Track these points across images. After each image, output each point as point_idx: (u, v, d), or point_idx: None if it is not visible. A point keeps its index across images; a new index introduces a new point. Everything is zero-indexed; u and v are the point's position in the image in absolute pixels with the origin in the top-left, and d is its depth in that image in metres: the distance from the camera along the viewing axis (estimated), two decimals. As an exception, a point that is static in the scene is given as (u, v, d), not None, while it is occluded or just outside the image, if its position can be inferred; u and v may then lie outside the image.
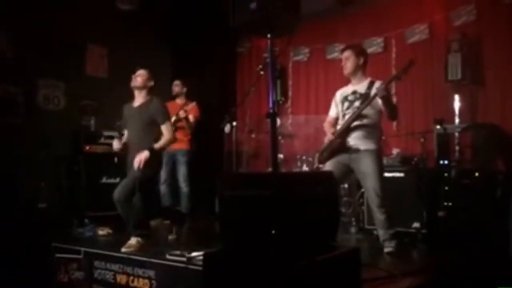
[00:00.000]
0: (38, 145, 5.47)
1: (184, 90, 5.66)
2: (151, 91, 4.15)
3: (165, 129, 4.00)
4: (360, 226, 5.02)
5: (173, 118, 4.93)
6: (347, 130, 3.79)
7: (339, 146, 3.79)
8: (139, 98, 4.13)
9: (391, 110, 3.72)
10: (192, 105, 5.35)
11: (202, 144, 5.91)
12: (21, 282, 3.91)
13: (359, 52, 3.89)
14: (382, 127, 4.01)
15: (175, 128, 4.93)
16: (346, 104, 3.89)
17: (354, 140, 3.75)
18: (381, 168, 3.78)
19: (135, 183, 3.82)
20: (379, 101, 3.65)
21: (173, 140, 4.09)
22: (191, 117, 5.36)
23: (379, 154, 3.79)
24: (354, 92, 3.85)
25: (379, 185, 3.68)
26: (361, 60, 3.86)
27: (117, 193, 3.83)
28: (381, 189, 3.69)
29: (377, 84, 3.68)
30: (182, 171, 5.49)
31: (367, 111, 3.74)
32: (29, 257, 4.11)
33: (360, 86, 3.85)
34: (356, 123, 3.76)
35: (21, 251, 4.14)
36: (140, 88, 4.10)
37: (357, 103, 3.78)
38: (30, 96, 5.83)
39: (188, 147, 5.51)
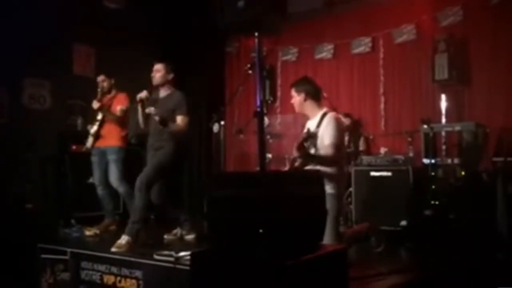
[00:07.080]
0: (24, 145, 5.40)
1: (112, 82, 5.02)
2: (172, 83, 4.29)
3: (180, 120, 4.11)
4: (348, 225, 5.04)
5: (100, 115, 4.83)
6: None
7: None
8: (162, 91, 4.27)
9: (319, 163, 3.37)
10: (120, 96, 4.93)
11: (191, 143, 5.86)
12: (7, 283, 3.87)
13: (301, 90, 3.56)
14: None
15: (103, 122, 4.82)
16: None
17: None
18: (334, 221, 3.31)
19: (157, 168, 4.04)
20: (324, 141, 3.38)
21: (183, 130, 4.15)
22: (118, 108, 4.86)
23: (336, 198, 3.38)
24: (307, 131, 3.51)
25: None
26: (308, 97, 3.55)
27: (139, 181, 3.94)
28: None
29: (328, 115, 3.44)
30: (113, 171, 4.76)
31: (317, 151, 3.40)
32: (14, 258, 4.06)
33: (313, 122, 3.54)
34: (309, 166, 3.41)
35: (7, 252, 4.09)
36: (161, 84, 4.24)
37: (307, 143, 3.36)
38: (15, 95, 5.75)
39: (119, 144, 4.86)
